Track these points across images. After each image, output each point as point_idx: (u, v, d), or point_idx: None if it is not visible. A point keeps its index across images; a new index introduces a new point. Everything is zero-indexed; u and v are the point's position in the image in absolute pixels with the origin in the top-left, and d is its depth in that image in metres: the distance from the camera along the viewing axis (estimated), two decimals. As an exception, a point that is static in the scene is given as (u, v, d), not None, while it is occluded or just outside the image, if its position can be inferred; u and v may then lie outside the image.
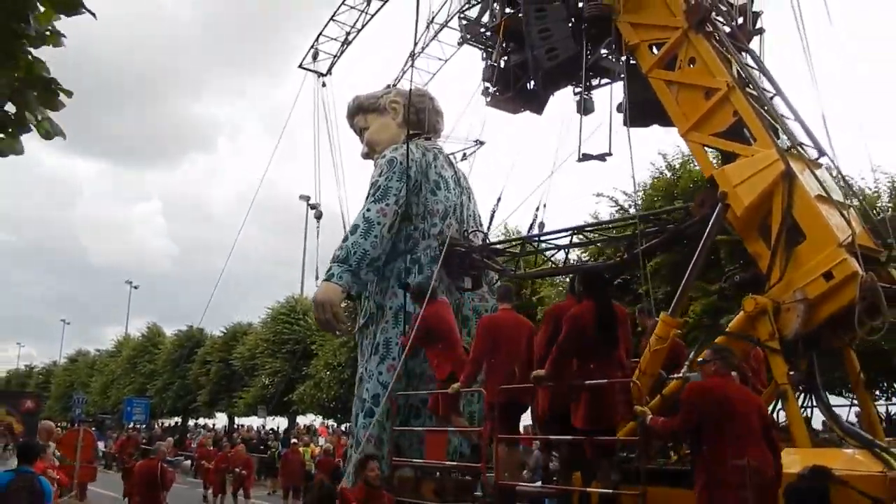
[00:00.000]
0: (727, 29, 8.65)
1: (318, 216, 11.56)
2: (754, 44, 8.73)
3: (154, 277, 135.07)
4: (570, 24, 8.97)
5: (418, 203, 10.33)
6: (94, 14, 4.38)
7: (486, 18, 10.27)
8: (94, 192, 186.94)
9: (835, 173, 7.87)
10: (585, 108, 9.88)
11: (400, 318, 9.82)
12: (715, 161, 8.63)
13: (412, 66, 11.65)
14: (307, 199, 11.98)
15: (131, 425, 36.77)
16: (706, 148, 8.26)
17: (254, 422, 38.28)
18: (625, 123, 9.10)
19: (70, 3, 4.29)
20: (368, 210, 9.98)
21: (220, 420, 43.52)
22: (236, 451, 18.04)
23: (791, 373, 6.74)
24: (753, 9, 9.11)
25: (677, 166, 16.37)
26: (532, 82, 9.78)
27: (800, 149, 7.56)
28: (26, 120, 4.47)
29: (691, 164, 15.72)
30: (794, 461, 5.90)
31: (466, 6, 10.42)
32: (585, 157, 8.67)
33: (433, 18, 12.49)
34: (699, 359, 6.30)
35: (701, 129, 7.99)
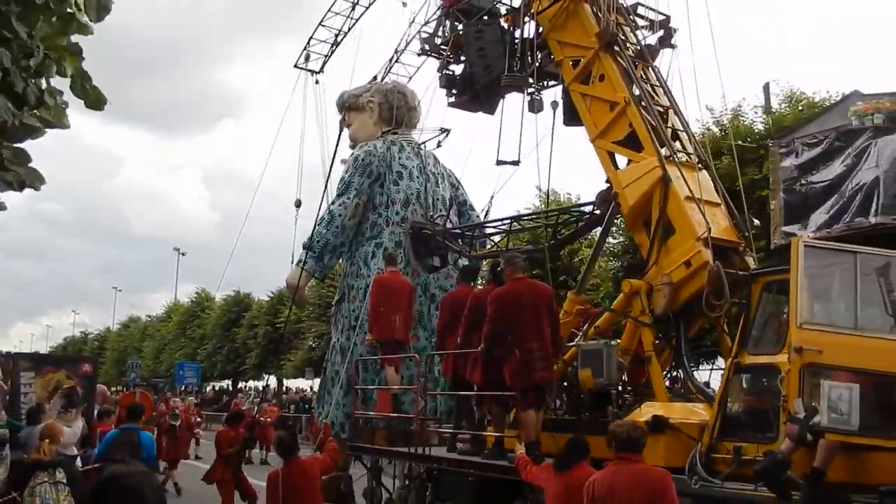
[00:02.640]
0: (650, 43, 10.07)
1: (298, 204, 13.22)
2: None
3: (197, 244, 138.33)
4: (503, 44, 10.38)
5: (382, 193, 12.03)
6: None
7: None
8: (134, 160, 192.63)
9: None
10: (534, 107, 11.40)
11: (362, 299, 11.60)
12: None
13: (388, 70, 13.23)
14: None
15: (183, 388, 38.67)
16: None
17: (301, 383, 40.63)
18: (564, 123, 10.59)
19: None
20: (332, 203, 11.81)
21: (270, 382, 45.99)
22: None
23: (656, 342, 8.25)
24: (669, 25, 10.41)
25: (725, 122, 16.53)
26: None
27: (681, 155, 8.95)
28: (60, 100, 4.64)
29: (739, 120, 16.33)
30: (649, 411, 7.48)
31: (426, 23, 11.92)
32: (500, 163, 10.16)
33: (414, 19, 13.90)
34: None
35: (605, 137, 9.41)
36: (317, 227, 11.72)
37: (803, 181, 6.47)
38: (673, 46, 10.20)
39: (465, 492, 8.10)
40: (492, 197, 11.79)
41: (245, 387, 46.52)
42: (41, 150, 5.17)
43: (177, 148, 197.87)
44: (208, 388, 47.95)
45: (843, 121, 6.21)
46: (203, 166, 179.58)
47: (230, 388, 46.25)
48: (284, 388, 42.09)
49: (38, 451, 7.08)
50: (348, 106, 13.54)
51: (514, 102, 11.49)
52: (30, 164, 4.95)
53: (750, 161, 14.96)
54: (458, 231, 12.24)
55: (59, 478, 6.64)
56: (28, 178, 4.93)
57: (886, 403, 5.46)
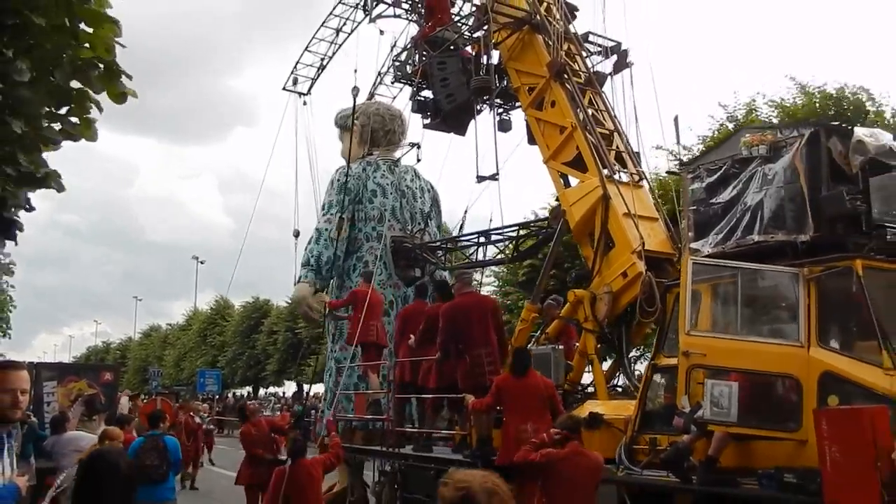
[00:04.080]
0: (599, 70, 10.93)
1: (296, 235, 14.16)
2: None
3: (214, 251, 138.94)
4: (464, 74, 11.27)
5: (360, 210, 13.01)
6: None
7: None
8: (148, 169, 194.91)
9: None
10: (503, 127, 12.33)
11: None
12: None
13: (372, 93, 14.16)
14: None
15: (204, 395, 39.86)
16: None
17: (322, 389, 41.32)
18: (529, 143, 11.46)
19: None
20: (318, 222, 12.80)
21: (290, 388, 46.68)
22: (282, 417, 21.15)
23: (598, 346, 9.10)
24: (621, 49, 11.24)
25: (739, 117, 16.90)
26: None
27: (622, 175, 9.79)
28: (88, 98, 4.48)
29: (754, 114, 16.58)
30: (589, 408, 8.33)
31: (400, 53, 12.87)
32: (480, 179, 11.04)
33: (395, 45, 14.84)
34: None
35: (556, 158, 10.27)
36: (308, 246, 12.77)
37: (709, 202, 7.27)
38: (629, 65, 11.04)
39: (428, 484, 8.98)
40: (465, 212, 12.69)
41: (266, 393, 47.48)
42: (57, 161, 5.00)
43: (190, 156, 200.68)
44: (229, 395, 48.90)
45: (737, 150, 7.02)
46: (217, 173, 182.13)
47: (251, 394, 46.98)
48: (305, 393, 42.78)
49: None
50: (340, 126, 14.55)
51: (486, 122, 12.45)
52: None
53: None
54: (435, 244, 13.14)
55: None
56: (48, 178, 4.84)
57: (761, 398, 6.26)
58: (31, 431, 9.25)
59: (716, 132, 16.91)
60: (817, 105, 15.71)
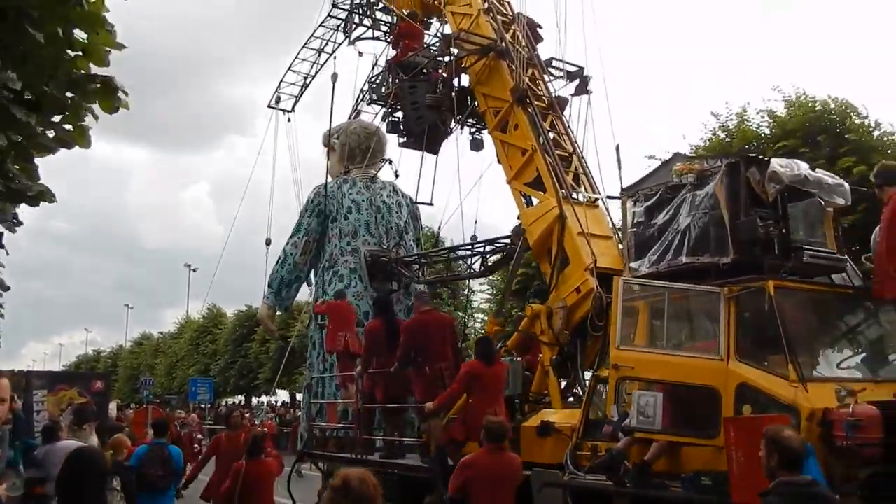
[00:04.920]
0: (560, 95, 11.52)
1: (268, 243, 14.78)
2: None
3: (207, 259, 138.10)
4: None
5: (336, 226, 13.59)
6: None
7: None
8: (141, 177, 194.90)
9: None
10: (475, 146, 12.90)
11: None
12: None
13: (354, 113, 14.76)
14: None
15: (195, 404, 38.85)
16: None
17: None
18: (498, 161, 12.02)
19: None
20: (287, 244, 13.48)
21: (282, 396, 46.88)
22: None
23: (553, 357, 9.63)
24: (585, 74, 11.82)
25: (732, 127, 16.99)
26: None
27: (579, 195, 10.36)
28: (83, 109, 4.50)
29: (746, 124, 16.74)
30: (542, 417, 8.86)
31: (376, 75, 13.46)
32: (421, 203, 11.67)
33: (376, 62, 15.39)
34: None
35: (518, 179, 10.84)
36: (274, 267, 13.54)
37: (647, 225, 7.83)
38: (588, 92, 11.63)
39: (393, 488, 9.51)
40: (439, 230, 13.25)
41: (258, 402, 47.69)
42: (49, 168, 5.30)
43: (183, 164, 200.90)
44: (222, 404, 49.02)
45: (670, 178, 7.59)
46: (210, 181, 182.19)
47: (242, 402, 47.07)
48: (297, 402, 43.03)
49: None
50: (325, 145, 15.16)
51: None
52: (39, 182, 4.93)
53: None
54: (410, 258, 13.70)
55: (115, 485, 7.36)
56: (42, 192, 4.89)
57: (684, 408, 6.81)
58: (18, 440, 9.23)
59: (707, 141, 17.19)
60: (805, 116, 15.78)
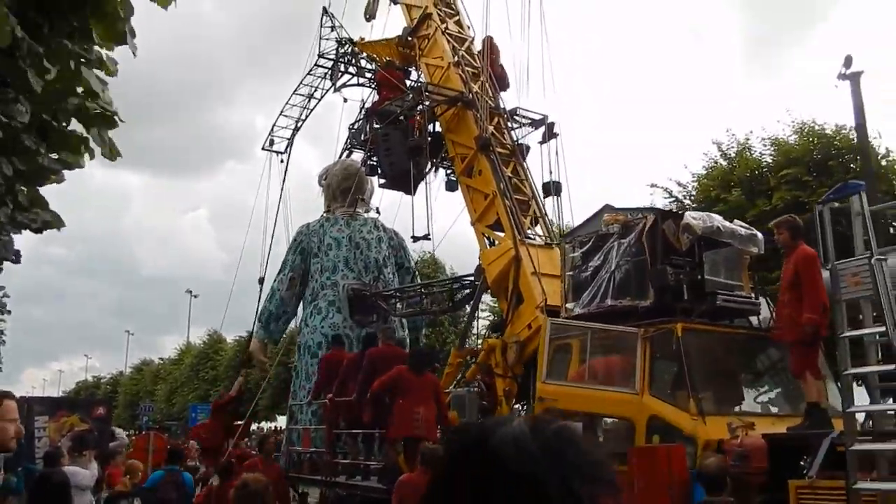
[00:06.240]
0: (522, 142, 12.35)
1: (260, 282, 15.59)
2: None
3: (207, 284, 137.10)
4: (404, 144, 12.70)
5: (317, 262, 14.46)
6: (135, 51, 4.46)
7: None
8: (140, 203, 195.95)
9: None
10: (450, 187, 13.70)
11: (303, 353, 14.03)
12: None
13: (343, 153, 15.65)
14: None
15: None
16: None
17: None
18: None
19: (117, 36, 4.38)
20: (274, 281, 14.34)
21: (282, 422, 47.21)
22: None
23: (506, 388, 10.35)
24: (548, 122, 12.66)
25: (733, 155, 16.80)
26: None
27: (536, 237, 11.15)
28: (86, 144, 4.60)
29: (747, 153, 16.67)
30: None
31: (354, 122, 14.39)
32: (415, 239, 12.43)
33: (364, 105, 16.25)
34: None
35: (481, 221, 11.65)
36: (263, 303, 14.41)
37: (582, 269, 8.60)
38: (555, 135, 12.45)
39: (356, 506, 10.28)
40: (415, 265, 14.03)
41: (258, 428, 48.08)
42: (46, 192, 5.04)
43: (182, 190, 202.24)
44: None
45: (599, 226, 8.39)
46: (210, 207, 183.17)
47: (240, 427, 47.36)
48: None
49: (122, 484, 8.90)
50: (320, 185, 16.13)
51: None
52: (48, 209, 5.05)
53: (759, 193, 15.39)
54: (388, 293, 14.50)
55: None
56: (49, 221, 5.03)
57: (601, 437, 7.53)
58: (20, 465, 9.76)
59: (710, 169, 17.33)
60: (811, 144, 15.68)
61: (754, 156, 16.95)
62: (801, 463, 6.33)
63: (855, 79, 11.06)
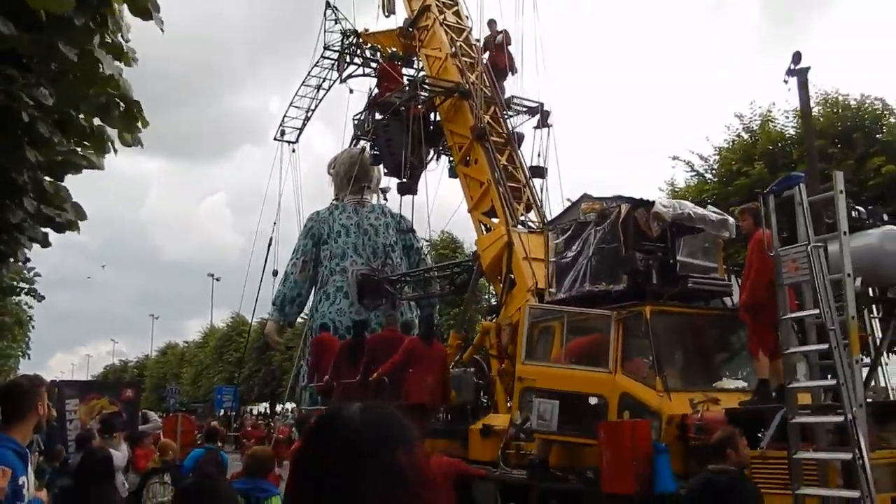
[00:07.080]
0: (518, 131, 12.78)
1: (274, 273, 16.18)
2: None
3: (227, 268, 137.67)
4: (403, 134, 13.18)
5: (327, 249, 15.07)
6: (161, 26, 4.42)
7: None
8: (159, 189, 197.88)
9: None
10: (453, 174, 14.17)
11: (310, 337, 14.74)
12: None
13: (352, 143, 16.18)
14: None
15: (222, 412, 38.67)
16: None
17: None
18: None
19: (144, 9, 4.35)
20: (287, 265, 14.97)
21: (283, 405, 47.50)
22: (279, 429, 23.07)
23: (501, 368, 10.86)
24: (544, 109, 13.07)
25: (755, 128, 16.48)
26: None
27: (530, 223, 11.60)
28: (106, 135, 4.64)
29: (770, 125, 16.38)
30: (487, 420, 10.11)
31: (357, 115, 14.89)
32: (401, 192, 13.02)
33: (371, 94, 16.71)
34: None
35: (477, 209, 12.13)
36: (277, 286, 15.09)
37: (564, 255, 9.05)
38: (549, 125, 12.88)
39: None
40: (437, 246, 14.56)
41: (283, 409, 48.78)
42: (67, 181, 5.20)
43: (198, 175, 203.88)
44: (248, 412, 49.94)
45: (578, 215, 8.83)
46: (227, 191, 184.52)
47: (268, 410, 47.48)
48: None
49: (153, 461, 9.15)
50: (329, 174, 16.76)
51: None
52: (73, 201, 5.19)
53: (783, 166, 14.80)
54: (394, 278, 15.06)
55: (166, 479, 8.06)
56: (72, 214, 5.20)
57: (577, 413, 8.00)
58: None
59: (732, 143, 17.12)
60: (836, 115, 15.38)
61: (777, 128, 16.69)
62: (759, 435, 6.78)
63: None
